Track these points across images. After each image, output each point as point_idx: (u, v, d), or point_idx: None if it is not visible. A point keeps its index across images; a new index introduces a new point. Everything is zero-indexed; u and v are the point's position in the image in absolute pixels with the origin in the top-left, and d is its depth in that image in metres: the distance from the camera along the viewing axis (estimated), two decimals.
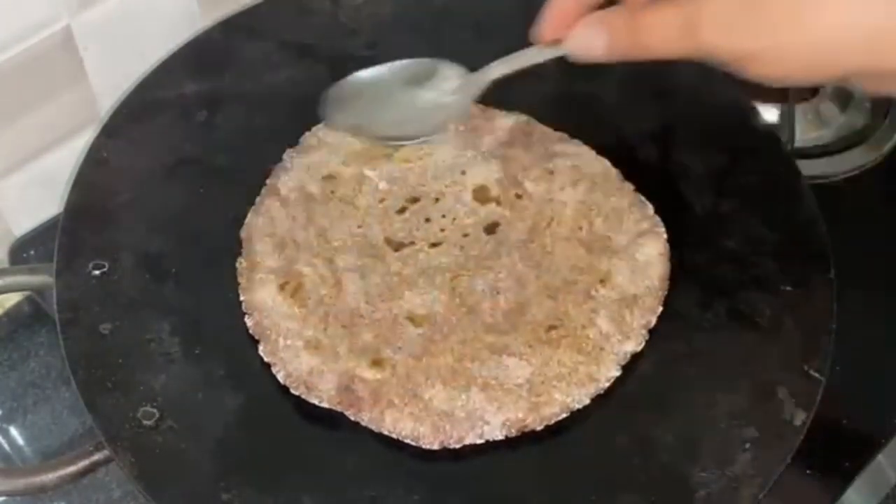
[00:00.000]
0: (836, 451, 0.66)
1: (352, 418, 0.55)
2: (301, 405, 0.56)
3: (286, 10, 0.73)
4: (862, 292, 0.64)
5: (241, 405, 0.55)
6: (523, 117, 0.67)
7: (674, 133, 0.68)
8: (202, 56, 0.70)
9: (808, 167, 0.77)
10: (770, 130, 0.70)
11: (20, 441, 0.70)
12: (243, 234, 0.62)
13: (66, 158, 0.72)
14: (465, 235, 0.62)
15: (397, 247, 0.61)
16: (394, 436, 0.54)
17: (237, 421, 0.55)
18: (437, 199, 0.64)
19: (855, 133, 0.82)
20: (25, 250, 0.75)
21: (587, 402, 0.56)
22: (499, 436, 0.54)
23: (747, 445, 0.54)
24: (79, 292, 0.58)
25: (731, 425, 0.55)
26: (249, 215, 0.62)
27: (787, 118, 0.79)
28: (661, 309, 0.59)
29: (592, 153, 0.66)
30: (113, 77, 0.72)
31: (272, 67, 0.70)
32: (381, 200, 0.64)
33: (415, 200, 0.64)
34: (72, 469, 0.54)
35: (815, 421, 0.55)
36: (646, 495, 0.53)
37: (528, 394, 0.55)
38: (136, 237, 0.61)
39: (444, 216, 0.63)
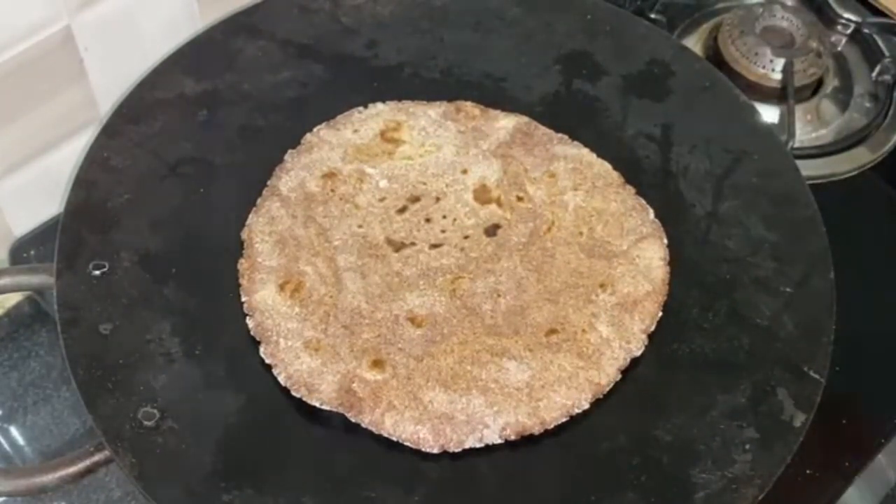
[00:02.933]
0: (836, 451, 0.66)
1: (352, 420, 0.55)
2: (301, 406, 0.56)
3: (286, 10, 0.73)
4: (862, 292, 0.64)
5: (241, 405, 0.55)
6: (524, 118, 0.67)
7: (674, 133, 0.68)
8: (202, 56, 0.70)
9: (808, 167, 0.77)
10: (770, 130, 0.70)
11: (20, 441, 0.70)
12: (244, 234, 0.62)
13: (66, 158, 0.72)
14: (466, 237, 0.62)
15: (398, 247, 0.61)
16: (394, 438, 0.54)
17: (237, 421, 0.55)
18: (437, 199, 0.64)
19: (855, 133, 0.82)
20: (25, 250, 0.74)
21: (587, 406, 0.56)
22: (498, 440, 0.54)
23: (747, 446, 0.54)
24: (79, 292, 0.58)
25: (731, 426, 0.55)
26: (250, 216, 0.62)
27: (787, 118, 0.79)
28: (661, 314, 0.59)
29: (593, 155, 0.66)
30: (113, 77, 0.72)
31: (272, 67, 0.70)
32: (382, 199, 0.64)
33: (415, 200, 0.64)
34: (72, 469, 0.54)
35: (815, 421, 0.55)
36: (646, 495, 0.53)
37: (527, 398, 0.55)
38: (136, 237, 0.61)
39: (444, 216, 0.63)
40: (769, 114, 0.80)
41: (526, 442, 0.55)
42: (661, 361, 0.58)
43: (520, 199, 0.64)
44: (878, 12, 0.89)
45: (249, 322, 0.58)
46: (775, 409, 0.56)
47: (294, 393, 0.55)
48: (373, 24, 0.73)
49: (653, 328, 0.59)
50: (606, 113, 0.69)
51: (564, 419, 0.55)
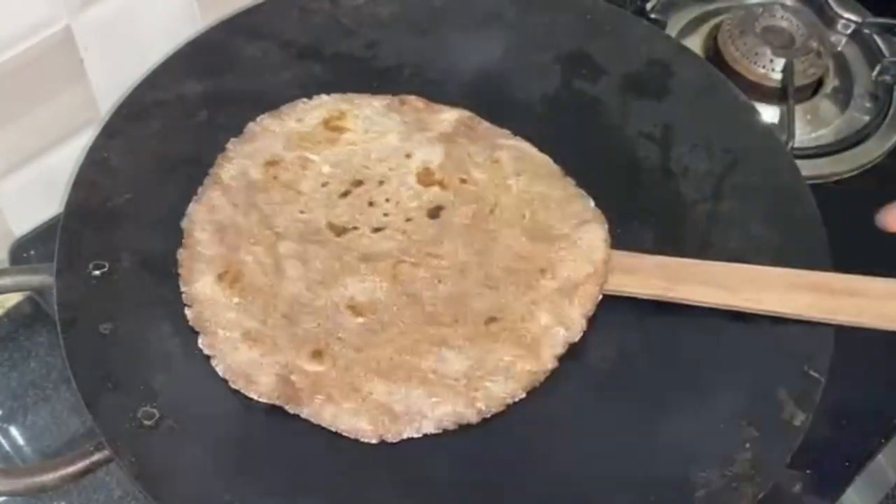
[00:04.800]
0: (836, 451, 0.66)
1: (291, 412, 0.55)
2: None
3: (286, 10, 0.73)
4: None
5: (241, 405, 0.55)
6: (466, 113, 0.67)
7: (674, 133, 0.68)
8: (202, 56, 0.70)
9: (808, 167, 0.77)
10: (770, 130, 0.70)
11: (20, 441, 0.70)
12: (184, 224, 0.61)
13: (66, 158, 0.72)
14: (409, 220, 0.62)
15: (340, 232, 0.61)
16: (332, 429, 0.54)
17: (237, 421, 0.55)
18: (381, 182, 0.63)
19: (855, 133, 0.82)
20: (25, 250, 0.74)
21: (524, 395, 0.56)
22: (434, 430, 0.54)
23: (747, 445, 0.54)
24: (79, 292, 0.58)
25: (731, 425, 0.55)
26: (191, 205, 0.62)
27: (787, 118, 0.79)
28: (601, 296, 0.59)
29: (535, 149, 0.66)
30: (113, 77, 0.72)
31: (272, 68, 0.70)
32: (325, 184, 0.63)
33: (358, 184, 0.63)
34: (72, 469, 0.54)
35: (815, 421, 0.55)
36: (645, 495, 0.53)
37: (465, 388, 0.55)
38: (136, 237, 0.61)
39: (387, 200, 0.63)
40: (769, 114, 0.80)
41: (525, 440, 0.55)
42: (661, 361, 0.58)
43: (463, 181, 0.63)
44: (878, 12, 0.89)
45: (188, 312, 0.58)
46: (775, 408, 0.56)
47: (232, 385, 0.55)
48: (373, 24, 0.73)
49: (592, 312, 0.58)
50: (606, 113, 0.69)
51: (501, 409, 0.55)
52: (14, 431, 0.70)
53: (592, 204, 0.63)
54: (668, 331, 0.59)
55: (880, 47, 0.87)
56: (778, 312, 0.58)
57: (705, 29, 0.88)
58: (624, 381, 0.57)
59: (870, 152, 0.81)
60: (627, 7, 0.83)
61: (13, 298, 0.74)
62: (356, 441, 0.54)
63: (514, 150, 0.65)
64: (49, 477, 0.54)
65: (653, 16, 0.86)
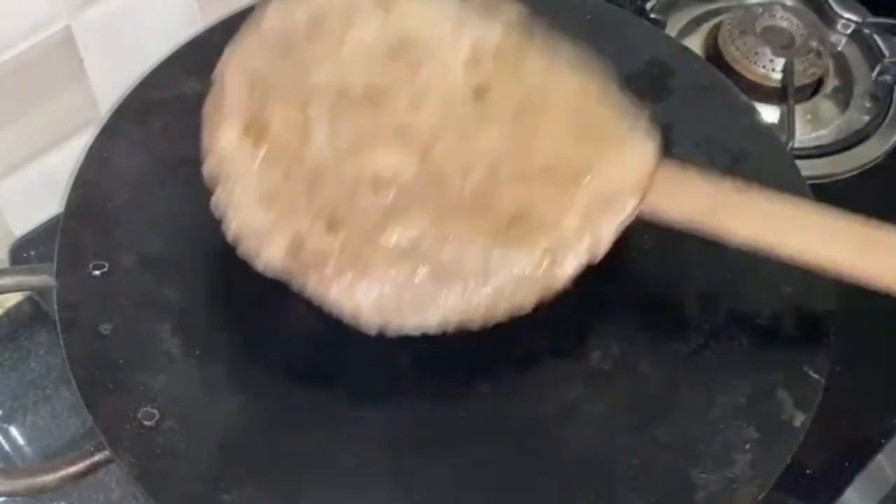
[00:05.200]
0: (836, 451, 0.66)
1: (294, 288, 0.53)
2: (301, 405, 0.56)
3: None
4: (862, 292, 0.64)
5: (241, 406, 0.55)
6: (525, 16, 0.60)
7: (674, 133, 0.68)
8: (202, 56, 0.70)
9: (808, 167, 0.77)
10: (770, 130, 0.70)
11: (20, 441, 0.70)
12: (217, 71, 0.58)
13: (66, 158, 0.72)
14: (452, 95, 0.56)
15: (377, 97, 0.56)
16: (334, 311, 0.52)
17: (237, 421, 0.55)
18: (430, 49, 0.57)
19: (855, 133, 0.82)
20: (25, 250, 0.74)
21: (533, 302, 0.52)
22: (438, 325, 0.52)
23: (747, 446, 0.54)
24: (79, 292, 0.58)
25: (731, 426, 0.55)
26: (226, 50, 0.58)
27: (787, 118, 0.79)
28: (636, 210, 0.54)
29: (595, 59, 0.59)
30: (113, 77, 0.72)
31: None
32: (370, 43, 0.57)
33: (406, 46, 0.57)
34: (72, 469, 0.54)
35: (815, 421, 0.55)
36: (646, 495, 0.53)
37: (475, 286, 0.52)
38: (136, 237, 0.61)
39: (434, 68, 0.57)
40: (769, 114, 0.80)
41: (524, 439, 0.55)
42: (660, 360, 0.58)
43: (515, 67, 0.58)
44: (878, 12, 0.89)
45: (206, 165, 0.55)
46: (775, 409, 0.56)
47: (240, 252, 0.53)
48: None
49: (623, 227, 0.54)
50: None
51: (508, 317, 0.52)
52: (14, 431, 0.70)
53: (645, 120, 0.57)
54: (668, 330, 0.59)
55: (880, 47, 0.87)
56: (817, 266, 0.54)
57: (705, 29, 0.88)
58: (624, 380, 0.57)
59: (870, 152, 0.81)
60: (627, 7, 0.83)
61: (13, 298, 0.74)
62: (356, 440, 0.54)
63: (574, 53, 0.59)
64: (49, 477, 0.54)
65: (653, 16, 0.86)
